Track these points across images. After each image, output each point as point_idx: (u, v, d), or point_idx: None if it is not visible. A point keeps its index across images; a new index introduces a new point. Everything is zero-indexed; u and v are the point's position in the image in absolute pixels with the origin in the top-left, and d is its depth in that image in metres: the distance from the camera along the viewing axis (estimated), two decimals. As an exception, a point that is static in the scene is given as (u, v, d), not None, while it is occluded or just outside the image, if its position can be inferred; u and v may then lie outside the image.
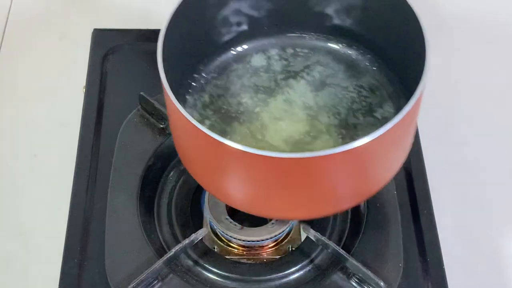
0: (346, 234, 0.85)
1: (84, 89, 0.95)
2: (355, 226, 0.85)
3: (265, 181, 0.68)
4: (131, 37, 1.01)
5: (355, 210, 0.86)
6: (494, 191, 1.00)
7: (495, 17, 1.20)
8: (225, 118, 0.78)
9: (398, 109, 0.77)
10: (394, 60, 0.79)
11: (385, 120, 0.72)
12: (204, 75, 0.82)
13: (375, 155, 0.67)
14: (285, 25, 0.83)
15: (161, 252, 0.81)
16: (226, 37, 0.82)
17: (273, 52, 0.84)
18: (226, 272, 0.80)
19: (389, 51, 0.79)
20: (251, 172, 0.67)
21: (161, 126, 0.90)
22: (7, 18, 1.18)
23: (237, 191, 0.72)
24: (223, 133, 0.76)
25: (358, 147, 0.63)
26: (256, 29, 0.83)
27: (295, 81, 0.81)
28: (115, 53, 0.99)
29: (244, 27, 0.82)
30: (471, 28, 1.18)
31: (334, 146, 0.72)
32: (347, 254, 0.79)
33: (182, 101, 0.78)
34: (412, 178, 0.87)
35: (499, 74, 1.12)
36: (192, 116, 0.66)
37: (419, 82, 0.66)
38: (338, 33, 0.82)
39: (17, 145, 1.03)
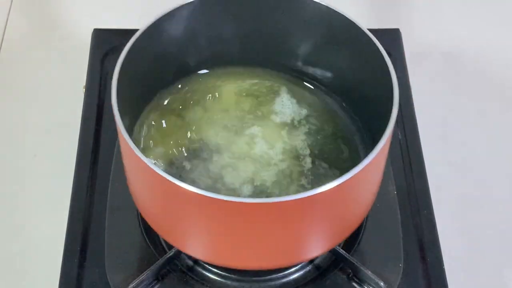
0: (346, 234, 0.85)
1: (84, 89, 0.95)
2: (355, 226, 0.85)
3: (220, 228, 0.67)
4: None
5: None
6: (494, 191, 1.00)
7: (495, 17, 1.20)
8: (182, 155, 0.77)
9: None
10: (362, 108, 0.79)
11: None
12: (164, 108, 0.81)
13: (339, 202, 0.67)
14: (252, 63, 0.83)
15: (161, 252, 0.81)
16: (188, 70, 0.82)
17: (239, 90, 0.83)
18: (226, 272, 0.80)
19: (358, 99, 0.79)
20: (207, 217, 0.66)
21: (161, 126, 0.90)
22: (7, 18, 1.18)
23: (194, 238, 0.71)
24: (180, 171, 0.75)
25: (321, 193, 0.62)
26: (223, 65, 0.83)
27: (262, 122, 0.80)
28: (115, 53, 0.98)
29: (208, 60, 0.82)
30: (472, 27, 1.18)
31: (297, 192, 0.72)
32: (347, 254, 0.79)
33: (137, 134, 0.78)
34: (412, 178, 0.87)
35: (499, 74, 1.12)
36: (148, 151, 0.64)
37: (384, 132, 0.66)
38: (306, 74, 0.83)
39: (17, 145, 1.03)
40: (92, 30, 1.01)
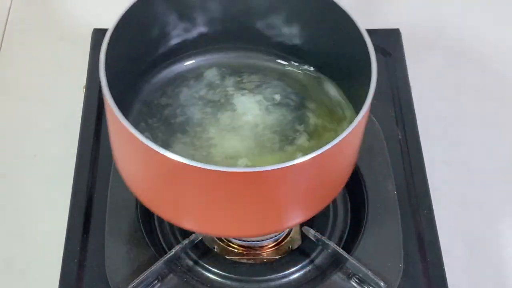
0: (346, 234, 0.85)
1: (84, 89, 0.95)
2: (355, 226, 0.85)
3: (205, 197, 0.67)
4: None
5: (355, 210, 0.86)
6: (494, 191, 1.00)
7: (495, 17, 1.20)
8: (169, 130, 0.77)
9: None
10: (343, 78, 0.79)
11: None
12: (151, 86, 0.81)
13: (315, 172, 0.67)
14: (235, 40, 0.83)
15: (161, 252, 0.82)
16: (174, 49, 0.81)
17: (223, 67, 0.83)
18: (226, 272, 0.80)
19: (337, 70, 0.79)
20: (191, 186, 0.67)
21: (161, 126, 0.90)
22: (7, 18, 1.18)
23: (178, 207, 0.71)
24: (166, 145, 0.76)
25: (301, 162, 0.63)
26: (206, 44, 0.83)
27: (245, 97, 0.81)
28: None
29: (193, 38, 0.82)
30: (471, 27, 1.18)
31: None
32: (347, 254, 0.79)
33: (126, 110, 0.77)
34: (412, 178, 0.87)
35: (499, 74, 1.12)
36: (137, 127, 0.65)
37: (365, 100, 0.66)
38: (286, 50, 0.83)
39: (17, 145, 1.03)
40: (92, 30, 1.01)
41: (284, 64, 0.84)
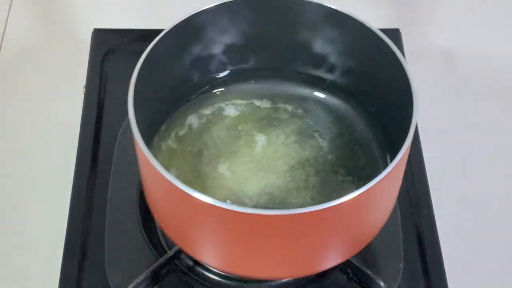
0: (346, 234, 0.85)
1: (84, 89, 0.95)
2: (355, 226, 0.85)
3: (238, 238, 0.66)
4: (131, 37, 1.01)
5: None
6: (494, 191, 1.00)
7: (495, 17, 1.20)
8: (196, 167, 0.77)
9: (381, 167, 0.75)
10: (380, 114, 0.79)
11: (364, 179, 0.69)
12: (178, 115, 0.80)
13: (357, 213, 0.66)
14: (269, 72, 0.82)
15: (161, 252, 0.81)
16: (206, 80, 0.81)
17: (254, 99, 0.82)
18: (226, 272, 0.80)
19: (376, 104, 0.79)
20: (220, 227, 0.65)
21: (161, 126, 0.90)
22: (7, 18, 1.18)
23: (210, 248, 0.70)
24: (194, 182, 0.75)
25: (341, 203, 0.61)
26: (237, 75, 0.82)
27: (276, 131, 0.80)
28: (115, 53, 0.99)
29: (227, 72, 0.81)
30: (472, 27, 1.18)
31: (312, 203, 0.71)
32: (347, 254, 0.79)
33: (152, 144, 0.77)
34: (412, 178, 0.87)
35: (499, 74, 1.12)
36: (162, 162, 0.64)
37: (406, 138, 0.65)
38: (323, 83, 0.82)
39: (17, 145, 1.03)
40: (92, 30, 1.01)
41: (319, 95, 0.83)
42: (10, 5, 1.19)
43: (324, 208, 0.60)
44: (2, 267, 0.92)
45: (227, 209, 0.61)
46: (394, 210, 0.84)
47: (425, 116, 0.97)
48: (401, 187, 0.86)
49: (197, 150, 0.78)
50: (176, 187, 0.61)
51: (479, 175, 1.01)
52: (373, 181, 0.61)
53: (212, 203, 0.61)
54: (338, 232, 0.67)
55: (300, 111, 0.81)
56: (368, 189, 0.61)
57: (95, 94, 0.94)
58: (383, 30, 0.70)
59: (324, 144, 0.79)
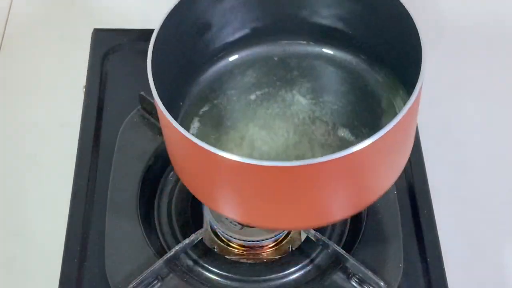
0: (346, 234, 0.85)
1: (84, 89, 0.95)
2: (355, 226, 0.85)
3: (257, 191, 0.67)
4: (131, 37, 1.01)
5: (355, 210, 0.86)
6: (494, 191, 1.00)
7: (495, 17, 1.20)
8: (216, 128, 0.77)
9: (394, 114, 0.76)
10: (390, 62, 0.79)
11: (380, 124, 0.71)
12: (196, 85, 0.81)
13: (375, 160, 0.66)
14: (279, 33, 0.83)
15: (161, 252, 0.81)
16: (218, 47, 0.81)
17: (268, 60, 0.83)
18: (226, 272, 0.80)
19: (385, 53, 0.79)
20: (244, 182, 0.66)
21: (161, 126, 0.90)
22: (7, 18, 1.18)
23: (231, 202, 0.71)
24: (216, 143, 0.76)
25: (357, 151, 0.62)
26: (250, 38, 0.82)
27: (291, 90, 0.81)
28: (115, 53, 0.99)
29: (237, 35, 0.81)
30: (471, 28, 1.18)
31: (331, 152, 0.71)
32: (347, 254, 0.79)
33: (175, 109, 0.77)
34: (412, 178, 0.87)
35: (499, 74, 1.12)
36: (185, 125, 0.65)
37: (417, 82, 0.66)
38: (332, 37, 0.82)
39: (17, 145, 1.03)
40: (92, 30, 1.01)
41: (329, 51, 0.83)
42: (10, 5, 1.19)
43: (346, 155, 0.62)
44: (2, 267, 0.92)
45: (246, 163, 0.62)
46: (395, 209, 0.84)
47: (425, 116, 0.97)
48: (401, 187, 0.86)
49: (218, 115, 0.79)
50: (205, 149, 0.63)
51: (479, 175, 1.01)
52: (392, 123, 0.63)
53: (233, 159, 0.62)
54: (358, 180, 0.68)
55: (312, 69, 0.82)
56: (389, 130, 0.63)
57: (95, 94, 0.94)
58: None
59: (339, 100, 0.80)
